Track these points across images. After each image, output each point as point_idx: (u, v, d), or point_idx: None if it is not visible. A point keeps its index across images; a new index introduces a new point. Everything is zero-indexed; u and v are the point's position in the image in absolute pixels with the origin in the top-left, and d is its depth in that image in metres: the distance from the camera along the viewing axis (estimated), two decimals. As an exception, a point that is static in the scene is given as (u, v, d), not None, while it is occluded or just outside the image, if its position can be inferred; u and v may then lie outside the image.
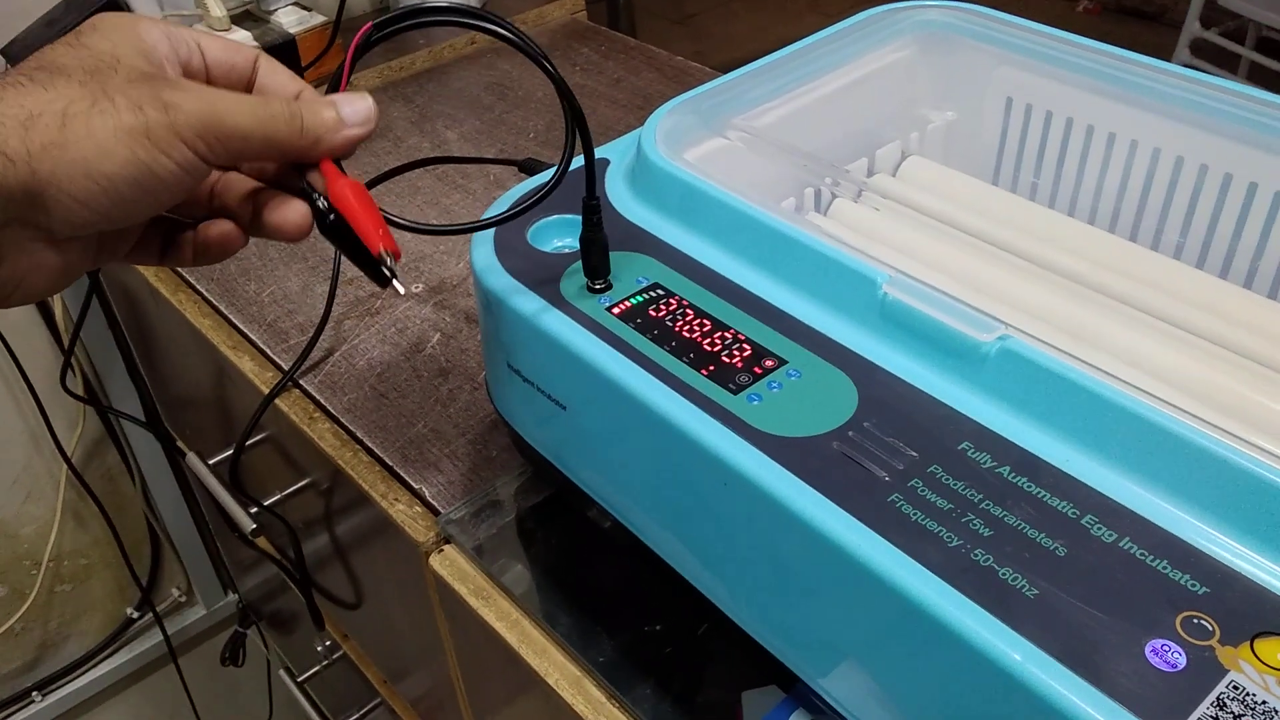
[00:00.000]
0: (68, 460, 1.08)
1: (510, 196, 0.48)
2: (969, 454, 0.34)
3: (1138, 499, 0.32)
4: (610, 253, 0.42)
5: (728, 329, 0.40)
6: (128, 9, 0.82)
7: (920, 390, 0.36)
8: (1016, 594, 0.30)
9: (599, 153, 0.50)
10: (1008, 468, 0.34)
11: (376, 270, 0.37)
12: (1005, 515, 0.32)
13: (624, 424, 0.40)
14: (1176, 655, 0.28)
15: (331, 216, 0.37)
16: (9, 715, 1.18)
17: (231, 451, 0.68)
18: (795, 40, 0.53)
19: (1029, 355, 0.35)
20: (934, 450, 0.34)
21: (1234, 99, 0.46)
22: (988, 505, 0.32)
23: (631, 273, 0.42)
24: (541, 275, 0.43)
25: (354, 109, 0.36)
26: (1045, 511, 0.32)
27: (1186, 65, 0.48)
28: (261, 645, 1.19)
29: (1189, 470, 0.32)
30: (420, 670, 0.71)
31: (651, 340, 0.40)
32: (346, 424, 0.61)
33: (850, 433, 0.35)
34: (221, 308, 0.71)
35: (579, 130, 0.39)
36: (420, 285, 0.70)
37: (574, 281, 0.43)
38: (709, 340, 0.39)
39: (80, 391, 1.06)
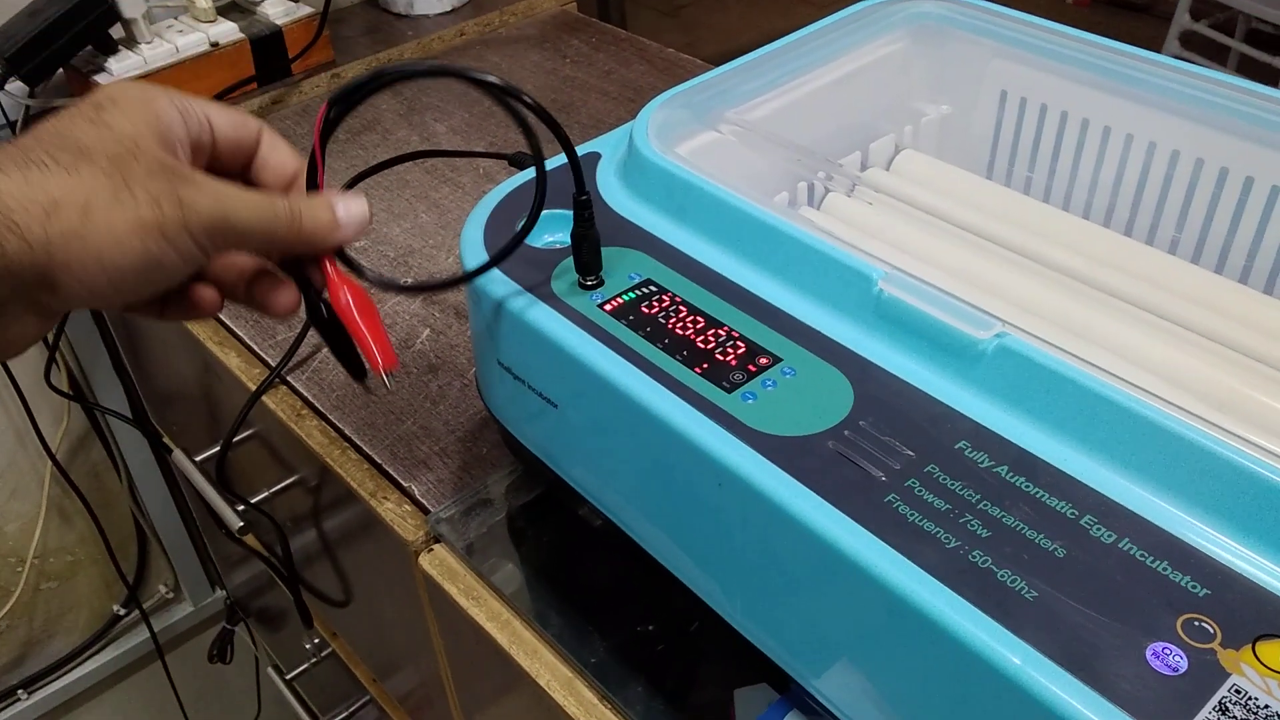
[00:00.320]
0: (52, 457, 1.07)
1: (500, 191, 0.47)
2: (966, 453, 0.34)
3: (1137, 499, 0.32)
4: (602, 248, 0.41)
5: (721, 326, 0.39)
6: (114, 5, 0.81)
7: (916, 388, 0.36)
8: (1015, 596, 0.29)
9: (590, 146, 0.49)
10: (1005, 467, 0.33)
11: (358, 367, 0.40)
12: (1003, 516, 0.32)
13: (616, 423, 0.39)
14: (1178, 658, 0.28)
15: (326, 315, 0.39)
16: (-5, 714, 1.17)
17: (218, 448, 0.67)
18: (787, 32, 0.52)
19: (1026, 352, 0.34)
20: (931, 449, 0.34)
21: (1232, 92, 0.46)
22: (985, 505, 0.32)
23: (624, 268, 0.42)
24: (532, 271, 0.43)
25: (349, 212, 0.38)
26: (1044, 512, 0.32)
27: (1176, 57, 0.47)
28: (250, 642, 1.19)
29: (1188, 469, 0.31)
30: (409, 669, 0.71)
31: (644, 337, 0.39)
32: (334, 421, 0.60)
33: (846, 432, 0.35)
34: None
35: (561, 142, 0.39)
36: (409, 280, 0.69)
37: (565, 278, 0.42)
38: (702, 337, 0.39)
39: (65, 387, 1.05)
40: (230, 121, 0.38)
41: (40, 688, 1.21)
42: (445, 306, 0.67)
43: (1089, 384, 0.33)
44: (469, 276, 0.42)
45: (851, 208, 0.51)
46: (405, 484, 0.56)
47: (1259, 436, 0.31)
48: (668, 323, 0.39)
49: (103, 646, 1.25)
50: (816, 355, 0.37)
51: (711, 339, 0.39)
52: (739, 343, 0.38)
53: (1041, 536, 0.31)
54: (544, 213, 0.45)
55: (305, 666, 0.87)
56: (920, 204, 0.50)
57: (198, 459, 0.70)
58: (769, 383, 0.37)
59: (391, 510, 0.55)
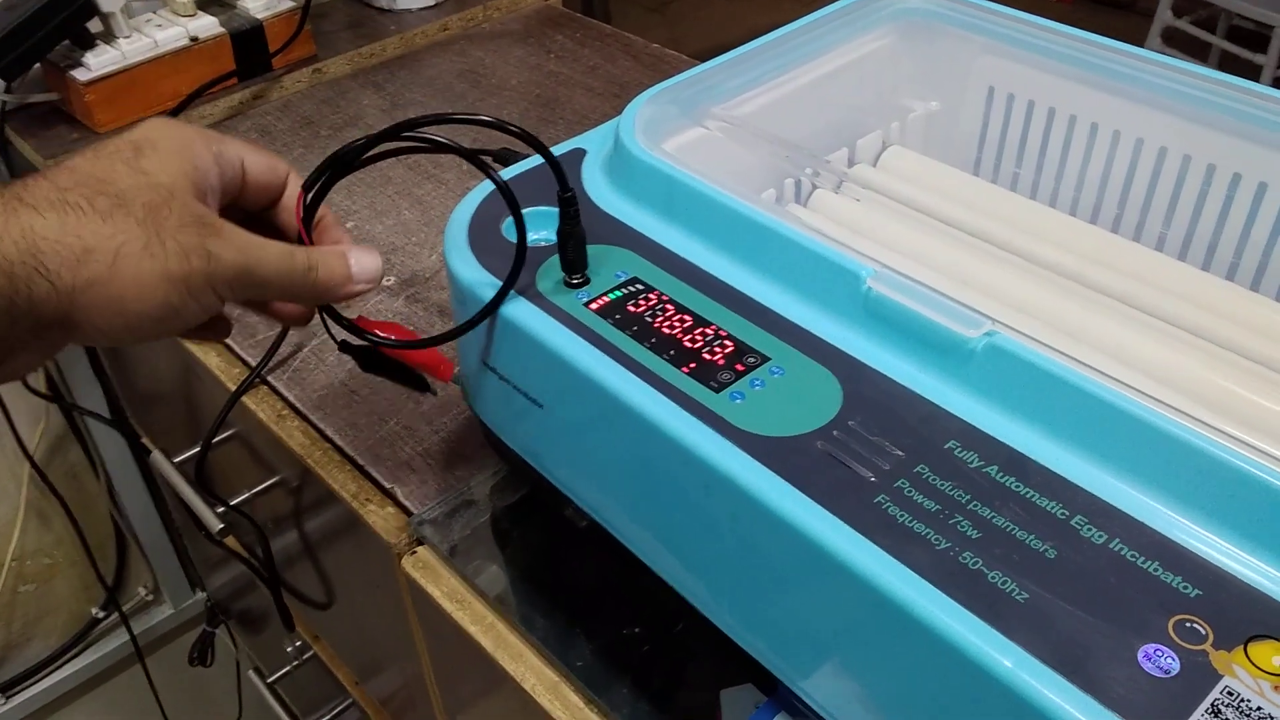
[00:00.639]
0: (30, 458, 1.06)
1: (485, 188, 0.47)
2: (956, 453, 0.33)
3: (1127, 499, 0.32)
4: (588, 246, 0.41)
5: (709, 325, 0.39)
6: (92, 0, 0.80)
7: (906, 387, 0.35)
8: (1006, 598, 0.29)
9: (575, 142, 0.49)
10: (995, 467, 0.33)
11: (420, 384, 0.46)
12: (994, 516, 0.31)
13: (602, 423, 0.39)
14: (1170, 660, 0.27)
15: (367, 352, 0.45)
16: (-28, 718, 1.16)
17: (198, 449, 0.66)
18: (771, 28, 0.52)
19: (1016, 351, 0.34)
20: (920, 449, 0.33)
21: (1219, 88, 0.45)
22: (976, 506, 0.32)
23: (610, 267, 0.41)
24: (516, 269, 0.42)
25: (363, 267, 0.40)
26: (1034, 512, 0.31)
27: (1157, 53, 0.47)
28: (230, 645, 1.17)
29: (1179, 468, 0.31)
30: (392, 671, 0.70)
31: (631, 336, 0.38)
32: (316, 422, 0.59)
33: (835, 432, 0.34)
34: None
35: (540, 152, 0.40)
36: (392, 279, 0.69)
37: (550, 276, 0.41)
38: (690, 336, 0.38)
39: (43, 388, 1.04)
40: (262, 165, 0.39)
41: (19, 692, 1.19)
42: (429, 305, 0.66)
43: (1079, 382, 0.33)
44: (461, 330, 0.42)
45: (839, 204, 0.50)
46: (388, 485, 0.55)
47: (1249, 435, 0.31)
48: (654, 322, 0.39)
49: (82, 650, 1.24)
50: (805, 354, 0.37)
51: (699, 338, 0.38)
52: (727, 342, 0.38)
53: (1032, 537, 0.31)
54: (529, 210, 0.45)
55: (287, 669, 0.86)
56: (908, 200, 0.49)
57: (177, 460, 0.69)
58: (757, 382, 0.36)
59: (374, 512, 0.54)
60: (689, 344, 0.38)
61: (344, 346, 0.47)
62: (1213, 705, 0.27)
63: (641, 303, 0.40)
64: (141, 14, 0.87)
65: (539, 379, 0.41)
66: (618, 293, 0.40)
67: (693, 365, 0.37)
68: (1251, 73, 2.18)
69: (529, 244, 0.44)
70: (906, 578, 0.30)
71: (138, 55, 0.83)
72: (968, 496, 0.32)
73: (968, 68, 0.54)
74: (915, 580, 0.30)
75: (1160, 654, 0.28)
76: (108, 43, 0.83)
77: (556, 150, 0.39)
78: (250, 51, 0.88)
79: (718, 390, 0.36)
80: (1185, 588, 0.29)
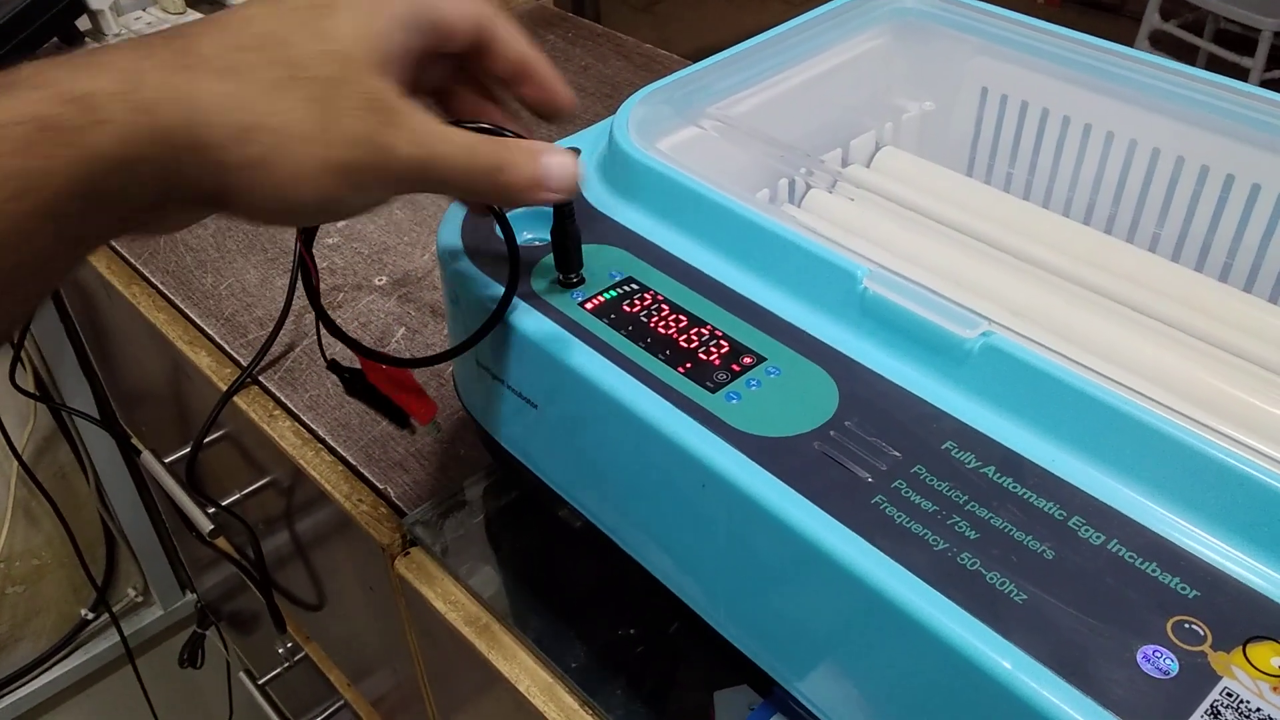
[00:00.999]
0: (19, 458, 1.05)
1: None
2: (953, 453, 0.33)
3: (1125, 499, 0.31)
4: (582, 245, 0.41)
5: (705, 324, 0.38)
6: (76, -9, 0.79)
7: (902, 388, 0.35)
8: (1005, 599, 0.29)
9: (568, 141, 0.48)
10: (992, 468, 0.33)
11: (401, 418, 0.46)
12: (991, 517, 0.31)
13: (597, 424, 0.38)
14: (1169, 661, 0.27)
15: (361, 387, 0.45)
16: (-40, 720, 1.15)
17: (189, 450, 0.66)
18: (761, 29, 0.52)
19: (1012, 352, 0.34)
20: (917, 450, 0.33)
21: (1212, 89, 0.45)
22: (973, 507, 0.32)
23: (604, 266, 0.41)
24: (510, 269, 0.42)
25: (557, 174, 0.35)
26: (1031, 513, 0.31)
27: (1151, 55, 0.47)
28: (221, 646, 1.17)
29: (1176, 469, 0.31)
30: (385, 673, 0.70)
31: (626, 336, 0.38)
32: (308, 422, 0.59)
33: (832, 432, 0.34)
34: (177, 301, 0.68)
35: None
36: (384, 278, 0.68)
37: (545, 275, 0.41)
38: (685, 336, 0.38)
39: (31, 387, 1.03)
40: (463, 15, 0.34)
41: (8, 693, 1.19)
42: (421, 305, 0.66)
43: (1075, 383, 0.33)
44: (454, 352, 0.42)
45: (833, 204, 0.50)
46: (380, 486, 0.55)
47: (1244, 435, 0.31)
48: (650, 321, 0.39)
49: (71, 651, 1.23)
50: (801, 354, 0.37)
51: (695, 338, 0.38)
52: (722, 342, 0.38)
53: (1030, 538, 0.31)
54: (523, 211, 0.44)
55: (278, 671, 0.86)
56: (902, 201, 0.49)
57: (167, 460, 0.68)
58: (753, 382, 0.36)
59: (366, 513, 0.54)
60: (684, 344, 0.38)
61: (332, 366, 0.46)
62: (1211, 706, 0.26)
63: (636, 302, 0.40)
64: (131, 11, 0.86)
65: (533, 379, 0.41)
66: (612, 292, 0.40)
67: (688, 365, 0.37)
68: (1239, 75, 2.18)
69: (522, 243, 0.44)
70: (904, 578, 0.30)
71: None
72: (965, 497, 0.32)
73: (961, 68, 0.54)
74: (913, 581, 0.30)
75: (1159, 655, 0.28)
76: (96, 40, 0.83)
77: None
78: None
79: (714, 390, 0.36)
80: (1183, 589, 0.29)
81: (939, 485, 0.32)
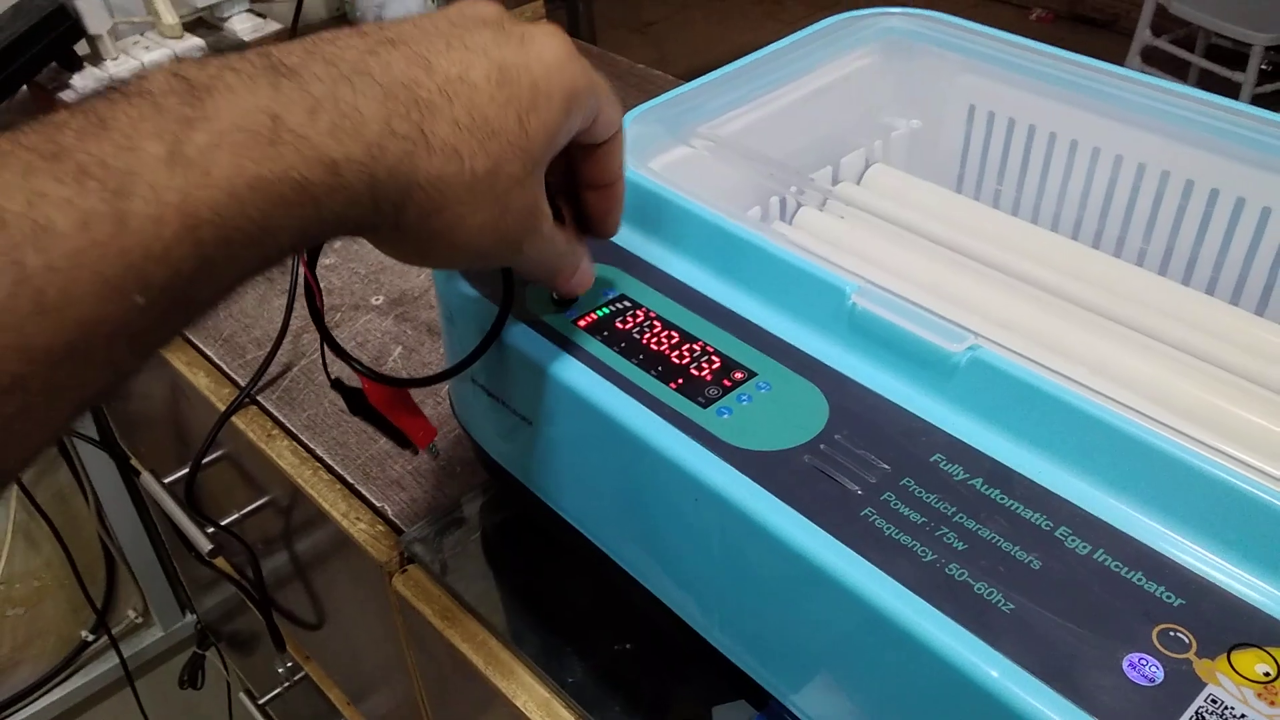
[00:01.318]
0: (18, 480, 1.05)
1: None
2: (941, 466, 0.34)
3: (1111, 510, 0.32)
4: (575, 264, 0.41)
5: (696, 341, 0.39)
6: (75, 15, 0.80)
7: (891, 402, 0.36)
8: (992, 609, 0.29)
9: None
10: (980, 480, 0.33)
11: (404, 441, 0.48)
12: (979, 528, 0.32)
13: (591, 439, 0.39)
14: (1154, 669, 0.28)
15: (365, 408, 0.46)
16: (-41, 744, 1.15)
17: (187, 470, 0.66)
18: (754, 48, 0.52)
19: (999, 365, 0.34)
20: (906, 463, 0.34)
21: (1195, 105, 0.46)
22: (961, 518, 0.32)
23: (598, 284, 0.42)
24: (505, 288, 0.42)
25: (576, 284, 0.39)
26: (1019, 524, 0.32)
27: (1137, 72, 0.48)
28: (221, 667, 1.17)
29: (1161, 481, 0.32)
30: (384, 691, 0.70)
31: (619, 353, 0.39)
32: (306, 441, 0.59)
33: (822, 446, 0.35)
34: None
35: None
36: (381, 298, 0.69)
37: (539, 293, 0.42)
38: (677, 353, 0.39)
39: (30, 409, 1.03)
40: (610, 121, 0.36)
41: (8, 716, 1.18)
42: (418, 324, 0.66)
43: (1062, 396, 0.33)
44: (453, 372, 0.43)
45: (823, 222, 0.51)
46: (378, 504, 0.55)
47: (1229, 447, 0.31)
48: (642, 338, 0.39)
49: (71, 673, 1.23)
50: (791, 369, 0.37)
51: (686, 354, 0.38)
52: (714, 358, 0.38)
53: (1017, 549, 0.31)
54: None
55: (278, 691, 0.86)
56: (891, 218, 0.50)
57: (166, 481, 0.69)
58: (744, 397, 0.37)
59: (364, 531, 0.54)
60: (676, 360, 0.38)
61: (336, 384, 0.47)
62: (1196, 713, 0.27)
63: (629, 319, 0.40)
64: (129, 36, 0.87)
65: (527, 396, 0.41)
66: (605, 310, 0.41)
67: (680, 381, 0.37)
68: (1230, 90, 2.20)
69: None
70: (893, 590, 0.30)
71: (125, 77, 0.83)
72: (953, 509, 0.32)
73: (949, 86, 0.55)
74: (902, 592, 0.30)
75: (1145, 663, 0.28)
76: (95, 65, 0.84)
77: None
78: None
79: (705, 405, 0.36)
80: (1169, 597, 0.30)
81: (928, 497, 0.33)
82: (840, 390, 0.36)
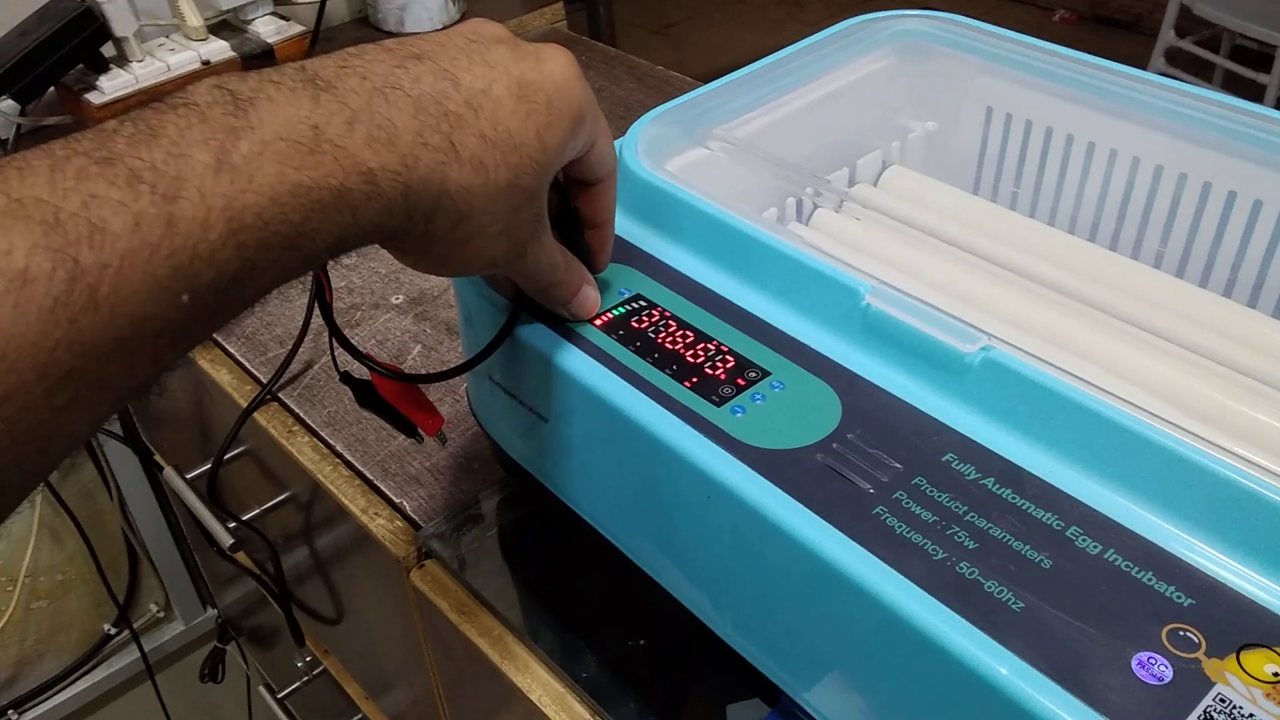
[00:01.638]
0: (44, 475, 1.06)
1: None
2: (953, 465, 0.34)
3: (1122, 510, 0.32)
4: (591, 264, 0.42)
5: (711, 340, 0.39)
6: (101, 18, 0.81)
7: (904, 401, 0.36)
8: (1003, 607, 0.30)
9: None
10: (992, 479, 0.33)
11: (411, 430, 0.48)
12: (990, 527, 0.32)
13: (606, 437, 0.39)
14: (1163, 668, 0.28)
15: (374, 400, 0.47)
16: (-16, 735, 1.17)
17: (210, 466, 0.67)
18: (775, 49, 0.53)
19: (1012, 365, 0.34)
20: (918, 462, 0.34)
21: (1212, 108, 0.46)
22: (972, 517, 0.32)
23: (614, 284, 0.42)
24: (522, 287, 0.43)
25: (578, 306, 0.40)
26: (1030, 523, 0.32)
27: (1162, 73, 0.48)
28: (241, 661, 1.18)
29: (1172, 481, 0.32)
30: (401, 686, 0.71)
31: (634, 352, 0.39)
32: (326, 437, 0.60)
33: (834, 444, 0.35)
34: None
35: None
36: (401, 297, 0.70)
37: (555, 294, 0.42)
38: (692, 352, 0.39)
39: (55, 405, 1.05)
40: (603, 159, 0.38)
41: (31, 708, 1.20)
42: (436, 323, 0.67)
43: (1074, 396, 0.33)
44: (463, 368, 0.43)
45: (840, 223, 0.51)
46: (396, 500, 0.56)
47: (1242, 448, 0.31)
48: (657, 337, 0.40)
49: (93, 666, 1.24)
50: (805, 369, 0.38)
51: (701, 353, 0.39)
52: (728, 357, 0.39)
53: (1028, 548, 0.31)
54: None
55: (297, 685, 0.86)
56: (908, 219, 0.50)
57: (189, 476, 0.70)
58: (758, 396, 0.37)
59: (383, 526, 0.55)
60: (691, 359, 0.39)
61: (345, 378, 0.47)
62: (1205, 712, 0.27)
63: (645, 319, 0.41)
64: (154, 38, 0.89)
65: (543, 394, 0.42)
66: (621, 309, 0.41)
67: (695, 380, 0.38)
68: (1255, 91, 2.18)
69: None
70: (905, 588, 0.30)
71: (150, 79, 0.85)
72: (965, 508, 0.32)
73: (965, 88, 0.55)
74: (913, 590, 0.30)
75: (1154, 662, 0.28)
76: (121, 66, 0.85)
77: None
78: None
79: (719, 404, 0.37)
80: (1179, 597, 0.30)
81: (939, 496, 0.33)
82: (853, 389, 0.37)
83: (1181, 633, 0.29)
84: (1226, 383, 0.40)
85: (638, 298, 0.42)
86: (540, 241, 0.36)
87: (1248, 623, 0.29)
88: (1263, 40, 2.17)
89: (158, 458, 1.04)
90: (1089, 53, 0.51)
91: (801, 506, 0.33)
